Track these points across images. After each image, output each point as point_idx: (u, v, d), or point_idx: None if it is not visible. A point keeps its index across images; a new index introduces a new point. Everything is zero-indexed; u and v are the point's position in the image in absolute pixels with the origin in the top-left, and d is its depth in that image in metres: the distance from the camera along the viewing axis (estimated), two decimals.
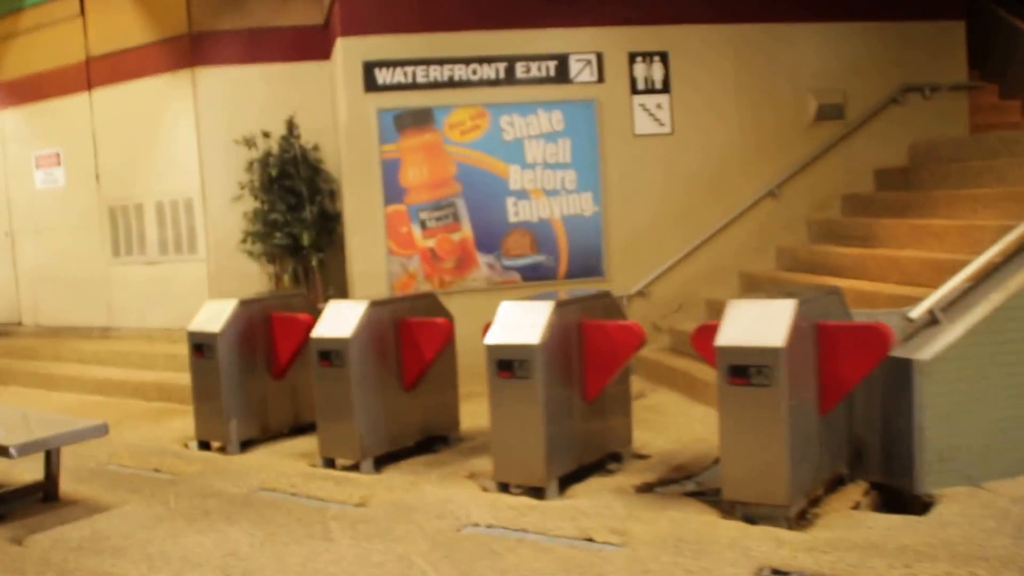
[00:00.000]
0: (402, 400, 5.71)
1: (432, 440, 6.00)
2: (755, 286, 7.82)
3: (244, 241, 8.58)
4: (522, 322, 4.87)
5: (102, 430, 5.09)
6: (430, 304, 5.98)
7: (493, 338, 4.86)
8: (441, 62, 7.83)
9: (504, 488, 4.92)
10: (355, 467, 5.56)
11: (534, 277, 8.04)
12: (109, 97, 9.48)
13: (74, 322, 10.09)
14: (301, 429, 6.60)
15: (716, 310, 7.77)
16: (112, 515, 4.88)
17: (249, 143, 8.50)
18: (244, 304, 6.23)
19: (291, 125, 8.57)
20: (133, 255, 9.44)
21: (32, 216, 10.40)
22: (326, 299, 7.32)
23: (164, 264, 9.17)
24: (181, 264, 9.03)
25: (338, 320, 5.60)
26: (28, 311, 10.63)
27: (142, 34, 9.14)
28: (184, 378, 8.19)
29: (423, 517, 4.53)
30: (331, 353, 5.49)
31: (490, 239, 8.01)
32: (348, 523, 4.53)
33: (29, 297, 10.58)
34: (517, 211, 8.05)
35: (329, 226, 8.56)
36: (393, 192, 7.85)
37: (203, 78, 8.69)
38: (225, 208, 8.73)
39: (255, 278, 8.78)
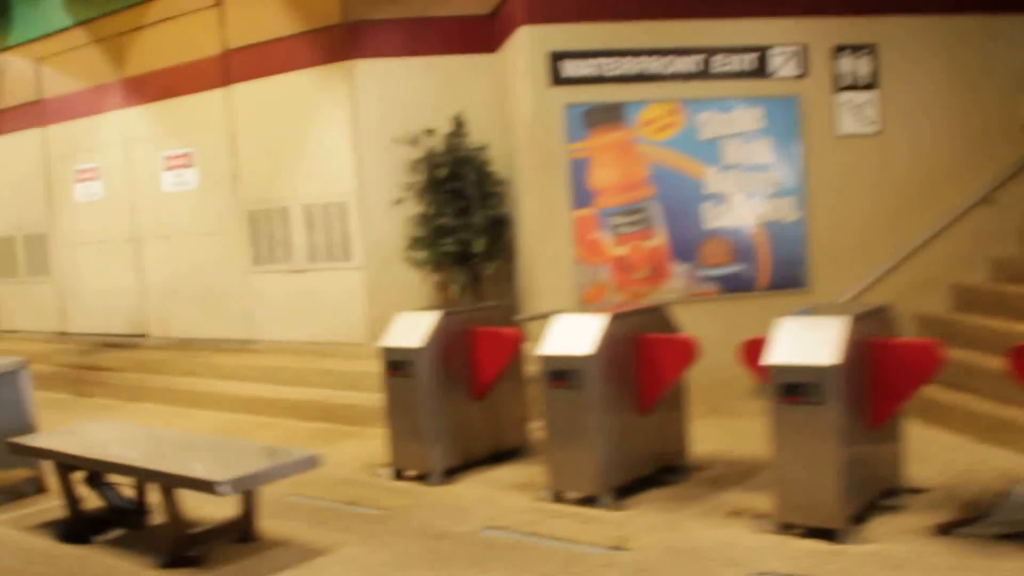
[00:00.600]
0: (639, 425, 5.70)
1: (662, 470, 5.96)
2: (969, 300, 7.72)
3: (410, 247, 8.65)
4: (809, 339, 4.81)
5: (312, 462, 4.99)
6: (661, 318, 5.96)
7: (778, 358, 4.82)
8: (634, 53, 7.83)
9: (786, 528, 4.86)
10: (589, 501, 5.55)
11: (733, 288, 8.00)
12: (250, 93, 9.67)
13: (208, 334, 10.30)
14: (500, 456, 6.60)
15: (927, 325, 7.69)
16: (331, 561, 4.84)
17: (413, 142, 8.57)
18: (446, 317, 6.24)
19: (459, 122, 8.64)
20: (277, 263, 9.60)
21: (160, 221, 10.66)
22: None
23: (313, 273, 9.31)
24: (332, 273, 9.16)
25: (571, 336, 5.60)
26: (155, 322, 10.88)
27: (288, 25, 9.29)
28: (346, 397, 8.42)
29: (709, 566, 4.49)
30: (566, 373, 5.49)
31: (685, 247, 7.99)
32: (625, 573, 4.42)
33: (157, 307, 10.84)
34: (714, 216, 8.00)
35: (498, 232, 8.59)
36: (581, 195, 7.86)
37: (360, 72, 8.82)
38: (383, 212, 8.84)
39: (415, 288, 8.87)
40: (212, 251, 10.26)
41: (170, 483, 4.77)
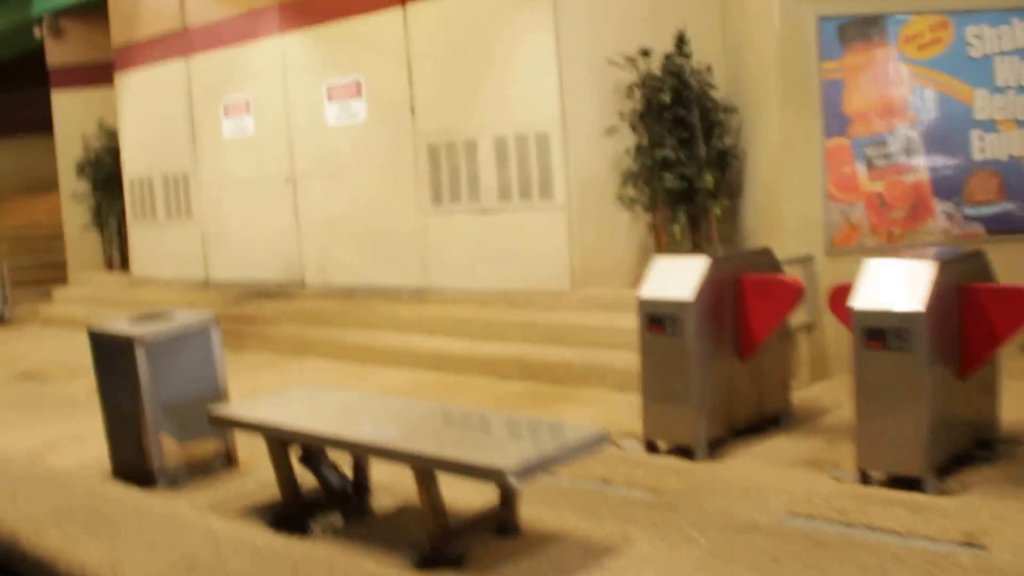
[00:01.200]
0: (959, 391, 5.40)
1: (974, 445, 5.64)
2: None
3: (623, 184, 8.48)
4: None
5: (602, 441, 4.50)
6: (982, 265, 5.65)
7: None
8: None
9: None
10: (904, 483, 5.10)
11: (1002, 229, 7.65)
12: (430, 12, 9.58)
13: (375, 282, 10.33)
14: (762, 425, 6.35)
15: None
16: (629, 562, 4.40)
17: (631, 63, 8.36)
18: (716, 264, 5.98)
19: (681, 40, 8.43)
20: (461, 202, 9.53)
21: (322, 159, 10.68)
22: None
23: (505, 213, 9.21)
24: (529, 213, 9.05)
25: (889, 288, 5.25)
26: (313, 269, 10.95)
27: None
28: (550, 353, 8.35)
29: None
30: (887, 332, 5.11)
31: (948, 182, 7.67)
32: None
33: (315, 253, 10.90)
34: (983, 147, 7.64)
35: (724, 166, 8.36)
36: (833, 122, 7.58)
37: None
38: (591, 143, 8.69)
39: (624, 230, 8.76)
40: (383, 190, 10.25)
41: (435, 468, 4.32)
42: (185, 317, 6.23)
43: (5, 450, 7.05)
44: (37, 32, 14.83)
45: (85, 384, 9.45)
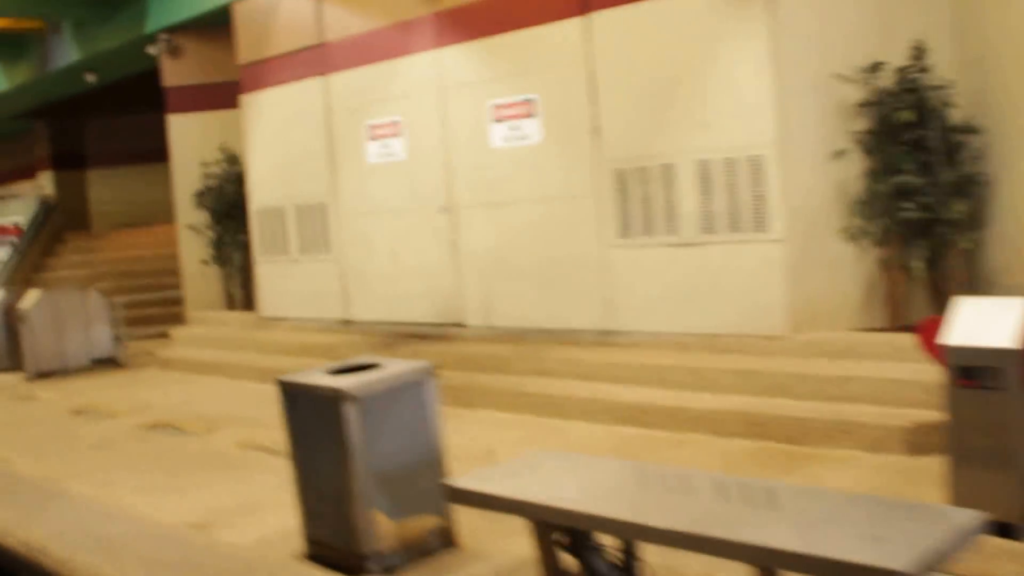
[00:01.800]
0: None
1: None
2: None
3: (853, 214, 8.20)
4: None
5: (980, 522, 3.94)
6: None
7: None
8: None
9: None
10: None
11: None
12: (618, 21, 9.48)
13: (548, 324, 10.20)
14: None
15: None
16: None
17: (865, 77, 8.10)
18: None
19: (918, 52, 8.13)
20: (655, 234, 9.36)
21: (486, 186, 10.61)
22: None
23: (709, 246, 9.03)
24: (738, 246, 8.85)
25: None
26: (476, 309, 10.85)
27: None
28: (778, 406, 8.07)
29: None
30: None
31: None
32: None
33: (477, 291, 10.80)
34: None
35: (967, 194, 8.03)
36: None
37: None
38: (815, 168, 8.50)
39: (849, 266, 8.49)
40: (559, 221, 10.10)
41: (782, 567, 3.85)
42: (396, 367, 5.96)
43: (164, 521, 6.97)
44: (151, 51, 15.05)
45: (229, 437, 9.48)
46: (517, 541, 5.52)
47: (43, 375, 14.05)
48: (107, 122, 22.20)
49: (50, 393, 12.93)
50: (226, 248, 14.57)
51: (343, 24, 12.13)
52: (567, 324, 10.25)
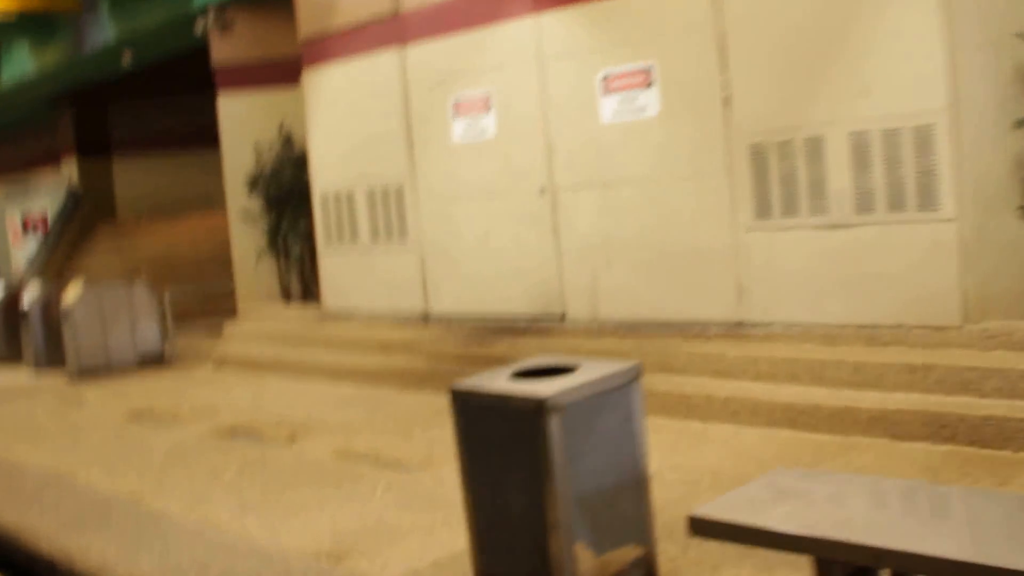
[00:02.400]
0: None
1: None
2: None
3: None
4: None
5: None
6: None
7: None
8: None
9: None
10: None
11: None
12: None
13: (666, 315, 9.29)
14: None
15: None
16: None
17: None
18: None
19: None
20: (799, 215, 8.37)
21: (594, 164, 9.61)
22: None
23: (864, 227, 8.10)
24: (899, 227, 7.90)
25: None
26: (579, 299, 9.86)
27: None
28: (969, 405, 7.03)
29: None
30: None
31: None
32: None
33: (582, 280, 9.81)
34: None
35: None
36: None
37: None
38: (993, 138, 7.50)
39: None
40: (680, 201, 9.12)
41: None
42: (598, 369, 4.98)
43: (290, 550, 5.97)
44: (199, 26, 13.95)
45: (322, 446, 8.44)
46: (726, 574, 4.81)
47: (87, 375, 13.01)
48: (134, 106, 21.08)
49: (100, 395, 11.89)
50: (283, 237, 13.49)
51: None
52: (690, 315, 9.22)
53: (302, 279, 13.66)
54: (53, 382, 13.05)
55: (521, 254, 10.44)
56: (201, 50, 14.71)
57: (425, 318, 11.51)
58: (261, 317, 13.65)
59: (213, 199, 20.29)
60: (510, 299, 10.62)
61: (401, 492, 7.03)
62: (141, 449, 8.96)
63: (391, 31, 11.41)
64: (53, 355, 13.51)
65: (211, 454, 8.61)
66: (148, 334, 13.52)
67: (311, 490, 7.22)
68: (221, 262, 17.00)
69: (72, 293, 13.12)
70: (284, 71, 13.31)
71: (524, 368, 5.17)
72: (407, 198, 11.51)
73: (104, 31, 15.89)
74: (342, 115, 12.14)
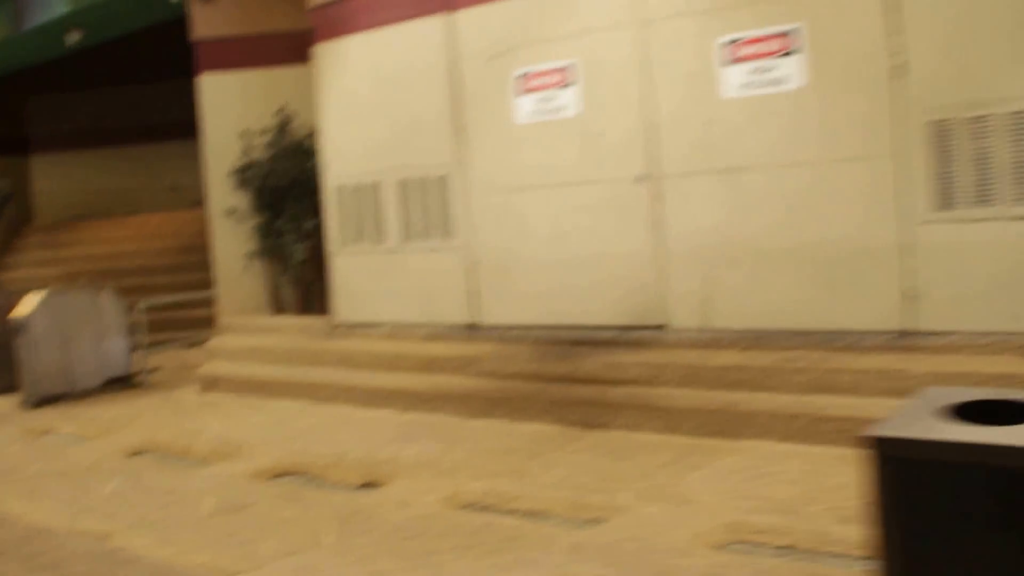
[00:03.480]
0: None
1: None
2: None
3: None
4: None
5: None
6: None
7: None
8: None
9: None
10: None
11: None
12: None
13: (805, 324, 7.84)
14: None
15: None
16: None
17: None
18: None
19: None
20: (996, 203, 6.76)
21: (711, 147, 8.00)
22: None
23: None
24: None
25: None
26: (686, 306, 8.25)
27: None
28: None
29: None
30: None
31: None
32: None
33: (690, 282, 8.18)
34: None
35: None
36: None
37: None
38: None
39: None
40: (832, 189, 7.53)
41: None
42: None
43: None
44: None
45: (419, 492, 6.49)
46: None
47: (47, 400, 10.64)
48: (60, 99, 18.43)
49: (77, 426, 9.59)
50: (279, 237, 11.35)
51: None
52: (838, 324, 7.59)
53: (301, 287, 11.56)
54: (6, 410, 10.61)
55: (608, 253, 8.66)
56: (157, 31, 12.56)
57: (472, 330, 9.59)
58: (251, 330, 11.47)
59: (148, 200, 17.94)
60: (590, 307, 8.82)
61: (585, 558, 5.17)
62: (180, 501, 6.81)
63: None
64: (3, 376, 11.06)
65: (276, 506, 6.56)
66: (115, 352, 11.21)
67: (471, 560, 5.28)
68: (178, 268, 14.73)
69: (28, 303, 10.72)
70: (282, 47, 11.33)
71: (953, 403, 3.44)
72: (452, 189, 9.58)
73: (51, 5, 13.42)
74: (367, 95, 10.14)
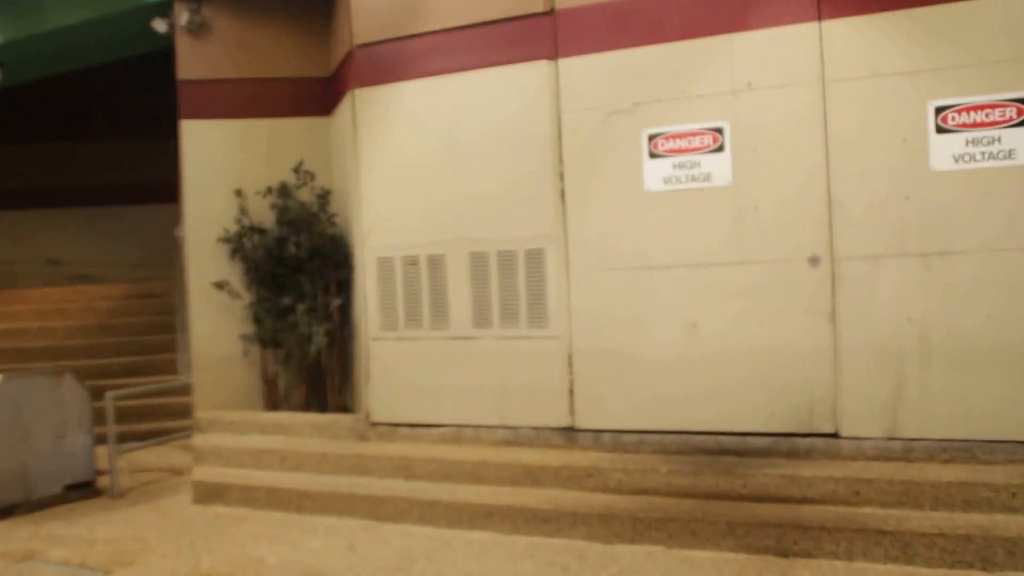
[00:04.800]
0: None
1: None
2: None
3: None
4: None
5: None
6: None
7: None
8: None
9: None
10: None
11: None
12: None
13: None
14: None
15: None
16: None
17: None
18: None
19: None
20: None
21: (909, 226, 6.91)
22: None
23: None
24: None
25: None
26: (866, 410, 7.09)
27: None
28: None
29: None
30: None
31: None
32: None
33: (874, 383, 7.02)
34: None
35: None
36: None
37: None
38: None
39: None
40: None
41: None
42: None
43: None
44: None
45: None
46: None
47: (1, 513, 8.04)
48: None
49: (61, 550, 7.22)
50: (283, 318, 9.15)
51: None
52: None
53: (315, 378, 9.36)
54: None
55: (761, 347, 7.17)
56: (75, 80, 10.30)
57: (569, 434, 7.82)
58: (247, 428, 9.16)
59: (25, 274, 15.06)
60: (734, 410, 7.27)
61: None
62: None
63: (534, 36, 7.90)
64: None
65: None
66: (78, 451, 8.70)
67: None
68: (93, 351, 12.11)
69: None
70: (287, 93, 9.35)
71: None
72: (549, 265, 7.84)
73: None
74: (429, 151, 8.32)
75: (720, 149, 7.32)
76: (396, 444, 8.33)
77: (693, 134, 7.41)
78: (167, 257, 15.80)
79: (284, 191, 9.26)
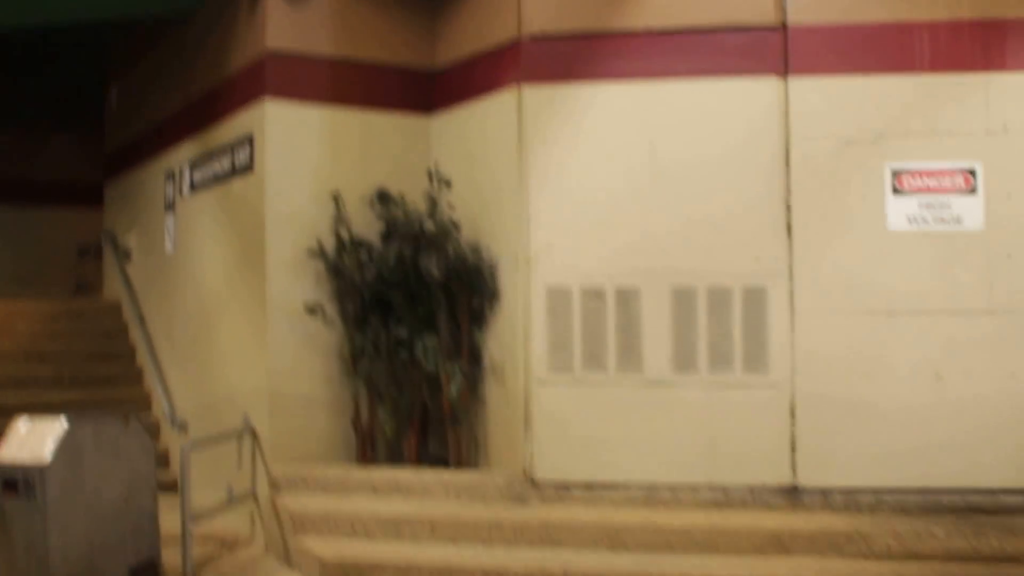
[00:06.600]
0: None
1: None
2: None
3: None
4: None
5: None
6: None
7: None
8: None
9: None
10: None
11: None
12: None
13: None
14: None
15: None
16: None
17: None
18: None
19: None
20: None
21: None
22: None
23: None
24: None
25: None
26: None
27: None
28: None
29: None
30: None
31: None
32: None
33: None
34: None
35: None
36: None
37: None
38: None
39: None
40: None
41: None
42: None
43: None
44: None
45: None
46: None
47: None
48: None
49: None
50: (397, 352, 7.31)
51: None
52: None
53: (424, 426, 7.52)
54: None
55: (1012, 398, 6.59)
56: None
57: (792, 494, 6.80)
58: (351, 487, 7.18)
59: None
60: (978, 465, 6.67)
61: None
62: None
63: (762, 49, 6.91)
64: None
65: None
66: (143, 519, 6.34)
67: None
68: (29, 382, 9.40)
69: (36, 440, 5.64)
70: (394, 84, 7.62)
71: None
72: (771, 304, 6.83)
73: None
74: (622, 167, 7.02)
75: (973, 191, 6.73)
76: (569, 507, 6.86)
77: (943, 173, 6.76)
78: (60, 272, 12.76)
79: (396, 200, 7.44)
